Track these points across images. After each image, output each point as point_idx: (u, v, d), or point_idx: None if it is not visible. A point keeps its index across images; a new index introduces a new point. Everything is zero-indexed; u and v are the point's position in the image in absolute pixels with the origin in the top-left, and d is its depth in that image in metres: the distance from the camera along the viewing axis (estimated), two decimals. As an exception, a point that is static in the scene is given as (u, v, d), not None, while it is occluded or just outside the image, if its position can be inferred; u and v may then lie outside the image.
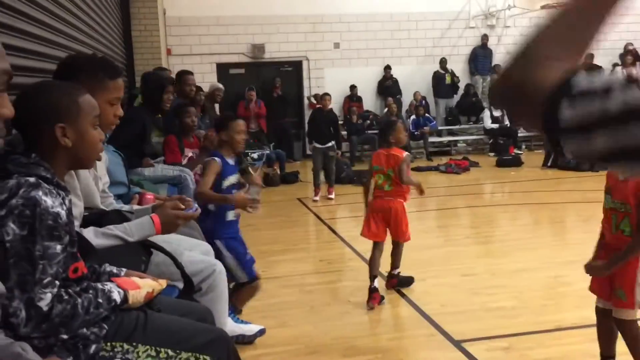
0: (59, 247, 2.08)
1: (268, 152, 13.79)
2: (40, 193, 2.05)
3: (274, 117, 16.68)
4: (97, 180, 3.26)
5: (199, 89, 8.84)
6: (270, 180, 12.94)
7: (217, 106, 10.81)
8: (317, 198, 11.24)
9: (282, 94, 17.10)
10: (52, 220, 2.05)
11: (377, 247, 5.76)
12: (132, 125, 5.53)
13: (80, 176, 3.01)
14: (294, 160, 17.03)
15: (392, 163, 5.68)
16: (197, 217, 3.10)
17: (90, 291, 2.24)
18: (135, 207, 3.53)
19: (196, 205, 3.07)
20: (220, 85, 10.74)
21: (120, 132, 4.41)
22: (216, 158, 4.70)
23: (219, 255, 4.31)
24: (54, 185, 2.14)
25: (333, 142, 11.31)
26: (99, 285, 2.31)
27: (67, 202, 2.16)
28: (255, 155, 12.95)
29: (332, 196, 11.35)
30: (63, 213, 2.10)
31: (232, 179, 4.75)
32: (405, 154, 5.73)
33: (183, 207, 2.98)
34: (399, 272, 6.02)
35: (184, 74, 7.96)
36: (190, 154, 6.78)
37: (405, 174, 5.62)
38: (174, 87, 6.86)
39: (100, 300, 2.24)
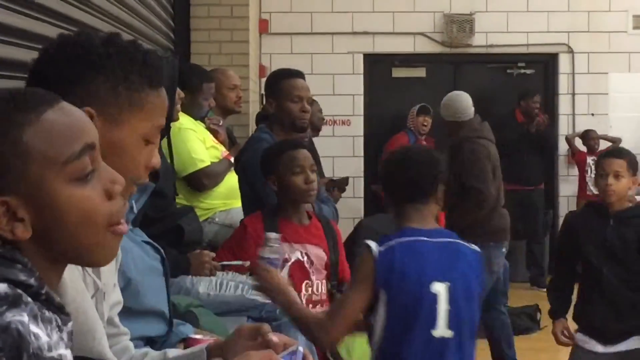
0: None
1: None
2: (24, 317, 1.08)
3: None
4: (101, 298, 1.79)
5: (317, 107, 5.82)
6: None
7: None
8: None
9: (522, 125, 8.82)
10: None
11: None
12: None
13: (66, 288, 1.58)
14: (534, 283, 8.39)
15: None
16: None
17: None
18: (171, 353, 1.93)
19: (301, 348, 1.65)
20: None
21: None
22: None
23: None
24: (43, 302, 1.17)
25: None
26: None
27: (66, 334, 1.18)
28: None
29: None
30: (69, 358, 1.14)
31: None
32: None
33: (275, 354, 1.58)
34: None
35: (287, 77, 4.45)
36: (297, 255, 3.62)
37: None
38: (269, 102, 4.31)
39: None
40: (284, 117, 4.28)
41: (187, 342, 2.59)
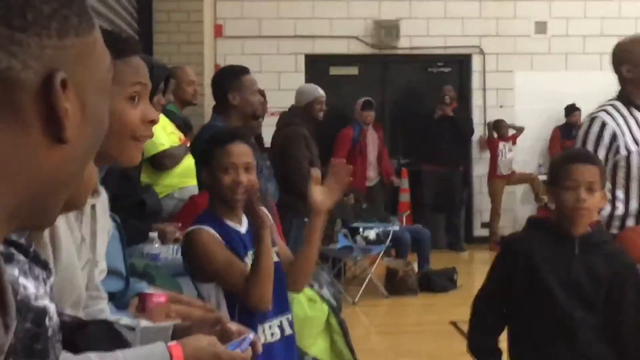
0: None
1: (397, 228, 7.77)
2: (14, 272, 1.10)
3: (418, 160, 9.80)
4: (94, 266, 1.85)
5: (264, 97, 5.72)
6: (400, 284, 7.17)
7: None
8: None
9: (443, 114, 9.42)
10: (34, 323, 1.12)
11: None
12: None
13: (58, 244, 1.64)
14: (453, 248, 9.55)
15: None
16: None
17: None
18: (143, 323, 1.94)
19: (252, 336, 1.76)
20: (321, 91, 6.37)
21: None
22: (204, 227, 2.68)
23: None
24: (32, 259, 1.15)
25: None
26: None
27: (49, 287, 1.18)
28: (371, 234, 7.47)
29: None
30: (53, 309, 1.16)
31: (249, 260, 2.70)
32: None
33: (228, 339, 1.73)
34: None
35: (245, 73, 4.62)
36: None
37: None
38: (233, 95, 4.47)
39: None
40: (246, 108, 4.53)
41: (141, 297, 2.51)
